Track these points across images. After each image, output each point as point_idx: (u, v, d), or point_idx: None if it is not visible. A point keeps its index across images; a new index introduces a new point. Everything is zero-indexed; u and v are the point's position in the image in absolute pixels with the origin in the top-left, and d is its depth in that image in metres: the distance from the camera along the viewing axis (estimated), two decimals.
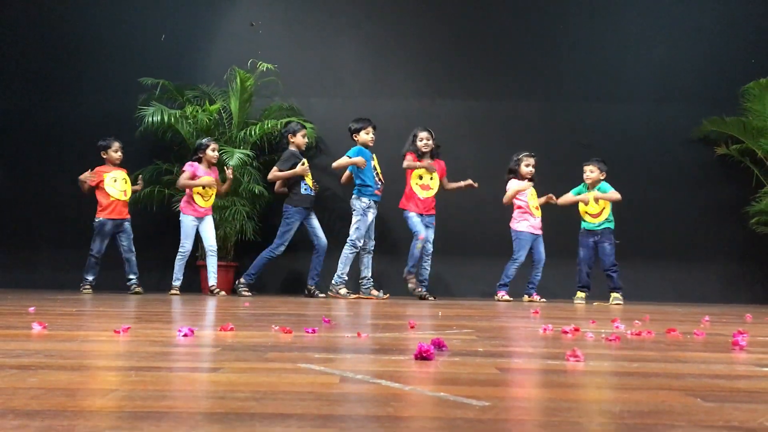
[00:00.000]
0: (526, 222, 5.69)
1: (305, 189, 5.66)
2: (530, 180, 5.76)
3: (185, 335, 1.78)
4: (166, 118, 5.91)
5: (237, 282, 5.69)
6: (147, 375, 1.11)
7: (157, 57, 6.77)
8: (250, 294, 5.52)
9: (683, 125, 6.62)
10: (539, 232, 5.72)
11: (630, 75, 6.80)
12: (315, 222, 5.73)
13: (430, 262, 5.65)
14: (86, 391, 0.96)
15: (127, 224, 5.65)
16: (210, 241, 5.63)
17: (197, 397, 0.92)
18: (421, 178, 5.65)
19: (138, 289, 5.52)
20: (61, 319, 2.42)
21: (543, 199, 5.78)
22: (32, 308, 2.92)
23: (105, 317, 2.58)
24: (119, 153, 5.68)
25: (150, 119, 5.89)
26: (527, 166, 5.74)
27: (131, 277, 5.61)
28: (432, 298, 5.45)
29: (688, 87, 6.73)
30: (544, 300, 5.57)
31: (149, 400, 0.89)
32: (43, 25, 6.90)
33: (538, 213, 5.74)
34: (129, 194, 5.71)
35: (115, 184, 5.60)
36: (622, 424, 0.80)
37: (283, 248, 5.62)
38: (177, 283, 5.54)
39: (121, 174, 5.67)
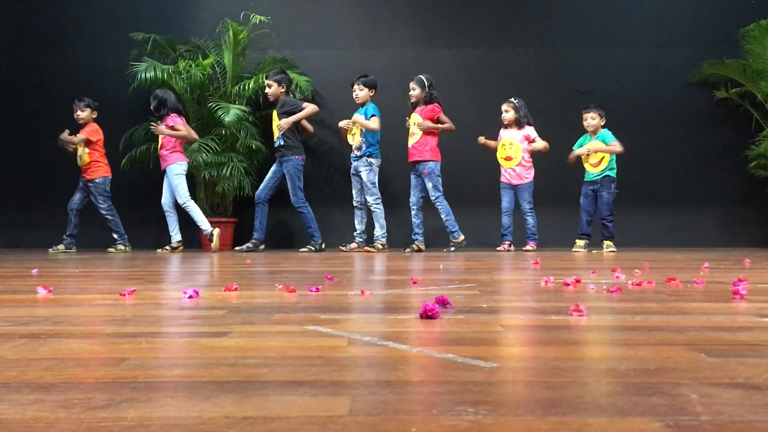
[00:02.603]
0: (501, 174, 5.79)
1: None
2: (506, 127, 5.75)
3: (190, 297, 1.80)
4: (159, 74, 5.84)
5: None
6: (157, 341, 1.12)
7: (148, 10, 6.64)
8: (240, 248, 5.60)
9: (682, 69, 6.56)
10: (517, 181, 5.71)
11: (628, 19, 6.69)
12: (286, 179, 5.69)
13: (441, 207, 5.52)
14: (99, 361, 0.97)
15: (91, 186, 5.64)
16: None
17: (209, 365, 0.93)
18: (408, 128, 5.63)
19: (113, 248, 5.60)
20: (65, 281, 2.43)
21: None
22: (35, 270, 2.93)
23: (109, 279, 2.60)
24: (77, 113, 5.63)
25: (143, 75, 5.82)
26: (503, 112, 5.74)
27: (114, 236, 5.64)
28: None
29: (687, 30, 6.63)
30: (530, 248, 5.57)
31: (162, 369, 0.90)
32: None
33: (508, 164, 5.73)
34: (84, 159, 5.63)
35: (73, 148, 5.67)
36: (629, 383, 0.81)
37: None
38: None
39: (78, 137, 5.64)
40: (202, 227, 5.56)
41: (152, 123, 5.53)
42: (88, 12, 6.72)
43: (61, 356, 0.99)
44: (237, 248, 5.64)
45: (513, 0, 6.74)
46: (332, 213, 6.50)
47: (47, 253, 5.21)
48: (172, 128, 5.48)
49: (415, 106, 5.61)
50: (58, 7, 6.74)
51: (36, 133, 6.58)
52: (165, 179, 5.60)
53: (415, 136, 5.56)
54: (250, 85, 6.04)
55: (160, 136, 5.52)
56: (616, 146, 5.50)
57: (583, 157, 5.65)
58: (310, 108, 5.53)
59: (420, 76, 5.60)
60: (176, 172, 5.53)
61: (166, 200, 5.57)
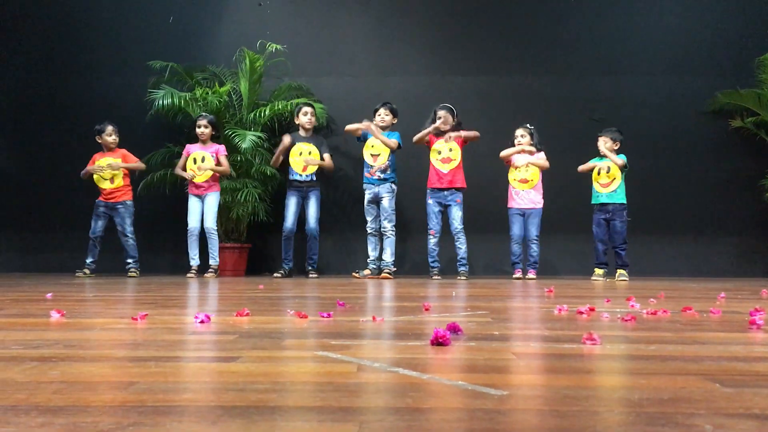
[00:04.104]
0: (512, 198, 5.73)
1: (291, 174, 5.82)
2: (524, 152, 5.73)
3: (202, 321, 1.80)
4: (176, 101, 5.91)
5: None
6: (167, 366, 1.12)
7: (166, 39, 6.74)
8: (279, 275, 5.64)
9: (697, 98, 6.54)
10: (529, 205, 5.66)
11: (643, 47, 6.70)
12: (308, 206, 5.80)
13: (462, 240, 5.54)
14: (108, 385, 0.97)
15: (121, 208, 5.66)
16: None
17: (217, 390, 0.93)
18: (439, 153, 5.62)
19: (131, 273, 5.58)
20: (78, 305, 2.44)
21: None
22: (49, 294, 2.95)
23: (122, 303, 2.61)
24: (113, 137, 5.69)
25: (160, 102, 5.89)
26: (518, 137, 5.74)
27: (128, 260, 5.65)
28: (463, 277, 5.44)
29: (701, 59, 6.63)
30: (531, 277, 5.52)
31: (170, 393, 0.90)
32: (51, 7, 6.89)
33: (522, 186, 5.69)
34: (118, 180, 5.67)
35: (101, 172, 5.65)
36: (642, 413, 0.80)
37: (285, 224, 5.76)
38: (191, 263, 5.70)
39: (109, 160, 5.67)
40: (214, 258, 5.64)
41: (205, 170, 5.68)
42: (108, 40, 6.84)
43: (71, 380, 0.99)
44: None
45: (527, 28, 6.78)
46: (346, 239, 6.51)
47: (67, 277, 5.23)
48: (218, 163, 5.70)
49: (442, 133, 5.63)
50: (80, 35, 6.85)
51: (54, 158, 6.66)
52: (198, 205, 5.68)
53: (453, 162, 5.59)
54: (266, 112, 6.09)
55: (203, 164, 5.63)
56: (618, 159, 5.50)
57: (594, 175, 5.61)
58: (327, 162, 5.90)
59: (447, 105, 5.66)
60: (218, 199, 5.72)
61: (206, 224, 5.67)
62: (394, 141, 5.62)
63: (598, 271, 5.55)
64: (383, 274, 5.50)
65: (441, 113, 5.61)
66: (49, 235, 6.68)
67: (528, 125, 5.75)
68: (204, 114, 5.80)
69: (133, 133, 5.89)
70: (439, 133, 5.64)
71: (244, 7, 6.88)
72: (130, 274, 5.59)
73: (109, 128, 5.68)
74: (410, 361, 1.17)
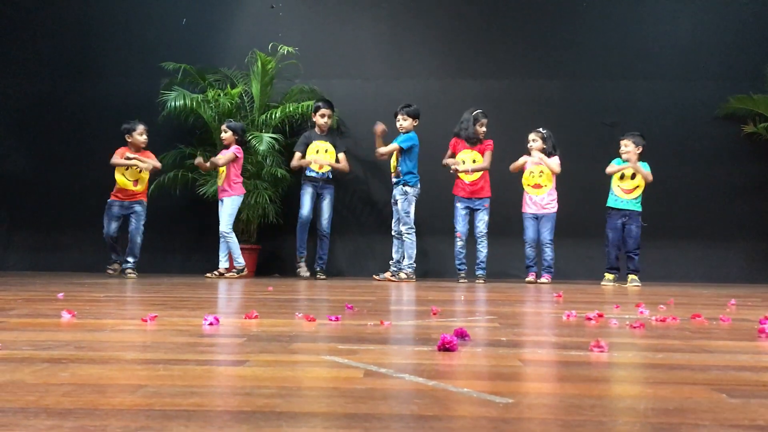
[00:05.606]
0: (525, 202, 5.73)
1: (308, 170, 5.93)
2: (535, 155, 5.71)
3: (211, 324, 1.81)
4: (188, 103, 5.94)
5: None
6: (175, 369, 1.13)
7: (179, 41, 6.78)
8: (306, 271, 5.78)
9: (709, 103, 6.50)
10: (542, 211, 5.65)
11: (655, 52, 6.67)
12: (322, 204, 5.89)
13: (484, 243, 5.60)
14: (116, 387, 0.98)
15: (138, 207, 5.64)
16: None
17: (224, 394, 0.93)
18: (463, 162, 5.63)
19: (129, 273, 5.51)
20: (89, 306, 2.46)
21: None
22: (61, 294, 2.97)
23: (132, 304, 2.63)
24: (144, 136, 5.67)
25: (173, 104, 5.92)
26: (530, 141, 5.73)
27: (129, 259, 5.59)
28: (482, 281, 5.47)
29: (714, 64, 6.59)
30: (546, 281, 5.50)
31: (177, 396, 0.91)
32: (65, 10, 6.95)
33: (535, 192, 5.69)
34: (142, 182, 5.68)
35: (126, 171, 5.62)
36: (647, 423, 0.80)
37: (301, 212, 5.83)
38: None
39: (141, 163, 5.66)
40: (237, 259, 5.63)
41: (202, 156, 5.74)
42: (121, 42, 6.88)
43: (80, 382, 1.00)
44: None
45: (539, 32, 6.77)
46: (358, 242, 6.52)
47: (78, 276, 5.25)
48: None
49: (475, 141, 5.65)
50: (93, 37, 6.90)
51: (66, 158, 6.71)
52: (221, 207, 5.68)
53: (476, 173, 5.63)
54: (277, 114, 6.11)
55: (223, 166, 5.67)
56: (649, 175, 5.49)
57: (615, 181, 5.58)
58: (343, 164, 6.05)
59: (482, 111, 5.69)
60: (237, 203, 5.69)
61: (220, 227, 5.66)
62: (391, 147, 5.59)
63: (609, 275, 5.52)
64: (388, 277, 5.52)
65: (486, 121, 5.65)
66: (60, 234, 6.72)
67: (540, 129, 5.73)
68: (227, 120, 5.82)
69: (147, 133, 5.91)
70: (471, 143, 5.63)
71: (257, 9, 6.91)
72: (128, 274, 5.52)
73: (140, 127, 5.64)
74: (416, 366, 1.18)
